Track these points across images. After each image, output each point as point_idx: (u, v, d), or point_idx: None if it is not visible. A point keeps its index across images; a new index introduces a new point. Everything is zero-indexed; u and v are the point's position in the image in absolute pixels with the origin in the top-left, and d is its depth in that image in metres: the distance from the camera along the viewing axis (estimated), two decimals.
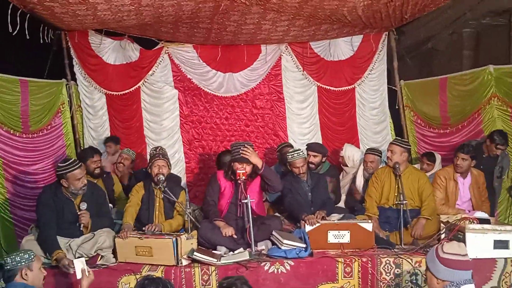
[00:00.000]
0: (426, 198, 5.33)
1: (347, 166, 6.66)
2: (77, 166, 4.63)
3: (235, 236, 4.86)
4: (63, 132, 7.24)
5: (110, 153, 7.19)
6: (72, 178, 4.56)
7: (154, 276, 2.98)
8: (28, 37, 5.81)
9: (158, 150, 5.40)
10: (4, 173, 5.90)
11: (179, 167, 7.65)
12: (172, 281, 4.22)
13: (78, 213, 4.61)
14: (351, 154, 6.68)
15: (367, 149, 6.52)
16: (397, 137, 6.03)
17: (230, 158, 5.23)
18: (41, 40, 6.67)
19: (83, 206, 4.63)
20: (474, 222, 4.66)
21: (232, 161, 5.11)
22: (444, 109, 7.22)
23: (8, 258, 3.44)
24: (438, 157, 6.58)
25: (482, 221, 4.76)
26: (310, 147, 6.39)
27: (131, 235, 4.60)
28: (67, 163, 4.63)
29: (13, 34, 5.63)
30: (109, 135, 7.57)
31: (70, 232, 4.62)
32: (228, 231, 4.85)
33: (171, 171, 6.72)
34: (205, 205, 5.37)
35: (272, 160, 7.57)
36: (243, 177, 4.94)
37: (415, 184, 5.39)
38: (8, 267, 3.41)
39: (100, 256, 4.60)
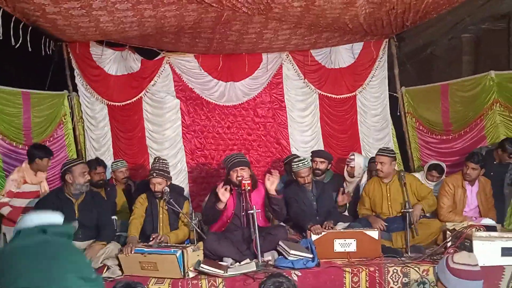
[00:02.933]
0: (425, 196, 5.46)
1: (354, 176, 6.61)
2: (82, 161, 5.25)
3: (227, 187, 4.90)
4: (66, 143, 7.25)
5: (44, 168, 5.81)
6: (77, 172, 4.86)
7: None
8: (30, 49, 5.80)
9: (155, 164, 5.38)
10: None
11: (181, 177, 7.63)
12: None
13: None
14: (361, 163, 6.65)
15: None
16: (382, 147, 6.01)
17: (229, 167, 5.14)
18: (43, 52, 6.67)
19: None
20: (480, 230, 4.66)
21: (230, 169, 5.06)
22: (446, 115, 7.21)
23: None
24: (444, 166, 6.54)
25: (488, 228, 4.76)
26: (317, 153, 6.40)
27: (135, 250, 4.51)
28: (72, 159, 5.44)
29: (15, 46, 5.64)
30: (111, 146, 7.54)
31: None
32: (225, 193, 4.89)
33: (174, 182, 6.73)
34: (204, 210, 5.39)
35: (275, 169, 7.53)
36: (248, 188, 4.92)
37: (409, 188, 5.44)
38: None
39: (106, 268, 4.58)
